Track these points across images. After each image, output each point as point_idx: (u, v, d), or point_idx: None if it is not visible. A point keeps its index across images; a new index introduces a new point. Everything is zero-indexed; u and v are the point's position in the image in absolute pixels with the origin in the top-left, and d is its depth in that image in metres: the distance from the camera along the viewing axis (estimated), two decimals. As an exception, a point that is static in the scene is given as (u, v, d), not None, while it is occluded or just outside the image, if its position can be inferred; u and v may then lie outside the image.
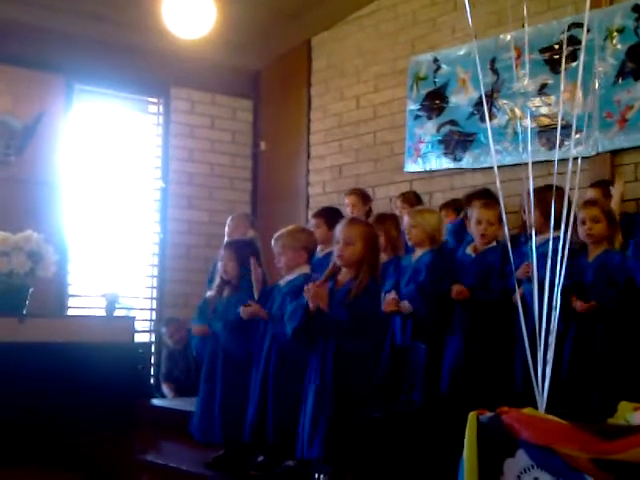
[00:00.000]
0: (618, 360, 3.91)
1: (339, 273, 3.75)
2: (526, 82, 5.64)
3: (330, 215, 5.09)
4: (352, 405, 3.54)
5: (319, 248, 4.76)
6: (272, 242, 4.14)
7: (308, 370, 3.68)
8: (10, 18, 6.52)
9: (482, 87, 5.71)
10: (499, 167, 5.71)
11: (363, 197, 5.89)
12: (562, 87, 5.04)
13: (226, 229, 5.90)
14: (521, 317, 2.25)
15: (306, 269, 4.10)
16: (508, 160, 5.56)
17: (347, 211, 5.81)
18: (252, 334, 4.13)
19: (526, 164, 2.52)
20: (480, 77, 5.42)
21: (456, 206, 5.44)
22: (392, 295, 4.56)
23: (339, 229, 3.76)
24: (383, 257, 4.72)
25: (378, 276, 3.74)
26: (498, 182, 2.61)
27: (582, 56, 4.65)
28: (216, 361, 4.30)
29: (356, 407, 3.55)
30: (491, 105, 5.97)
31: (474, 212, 4.65)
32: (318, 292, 3.55)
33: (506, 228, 2.66)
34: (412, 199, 5.78)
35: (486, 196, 5.00)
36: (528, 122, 5.53)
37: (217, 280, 4.49)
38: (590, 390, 3.90)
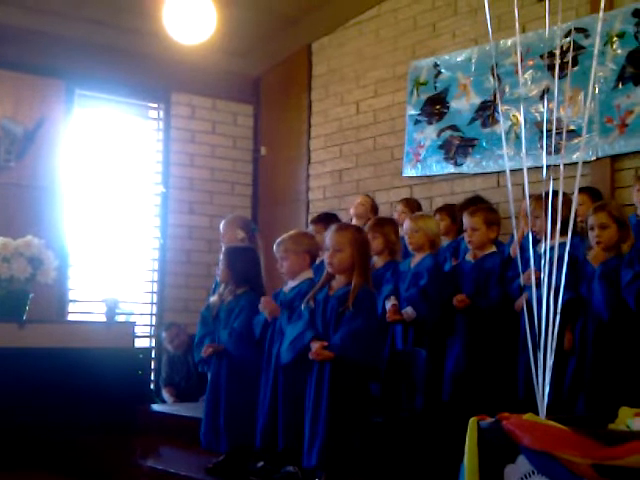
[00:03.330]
0: (614, 366, 3.88)
1: (333, 280, 3.75)
2: (528, 87, 5.64)
3: (329, 221, 5.07)
4: (350, 413, 3.53)
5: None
6: (274, 247, 4.12)
7: (307, 379, 3.67)
8: (10, 23, 6.53)
9: (498, 90, 5.66)
10: (501, 172, 5.77)
11: (373, 204, 6.06)
12: (556, 92, 5.03)
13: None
14: (526, 322, 2.25)
15: (309, 274, 4.08)
16: (510, 165, 5.54)
17: (352, 211, 6.00)
18: (259, 341, 4.12)
19: (528, 169, 2.52)
20: (493, 80, 5.38)
21: (450, 211, 5.44)
22: (392, 302, 4.54)
23: (328, 236, 3.75)
24: (379, 261, 4.73)
25: (370, 281, 3.73)
26: (509, 185, 2.61)
27: (594, 62, 4.66)
28: (220, 370, 4.27)
29: (354, 415, 3.55)
30: (493, 110, 5.97)
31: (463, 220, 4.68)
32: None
33: (515, 233, 2.66)
34: (414, 205, 5.80)
35: (474, 203, 4.99)
36: (522, 125, 5.52)
37: (220, 286, 4.49)
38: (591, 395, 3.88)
